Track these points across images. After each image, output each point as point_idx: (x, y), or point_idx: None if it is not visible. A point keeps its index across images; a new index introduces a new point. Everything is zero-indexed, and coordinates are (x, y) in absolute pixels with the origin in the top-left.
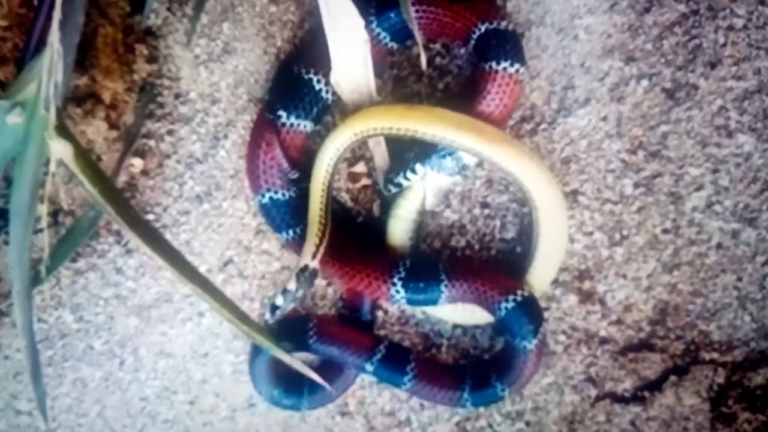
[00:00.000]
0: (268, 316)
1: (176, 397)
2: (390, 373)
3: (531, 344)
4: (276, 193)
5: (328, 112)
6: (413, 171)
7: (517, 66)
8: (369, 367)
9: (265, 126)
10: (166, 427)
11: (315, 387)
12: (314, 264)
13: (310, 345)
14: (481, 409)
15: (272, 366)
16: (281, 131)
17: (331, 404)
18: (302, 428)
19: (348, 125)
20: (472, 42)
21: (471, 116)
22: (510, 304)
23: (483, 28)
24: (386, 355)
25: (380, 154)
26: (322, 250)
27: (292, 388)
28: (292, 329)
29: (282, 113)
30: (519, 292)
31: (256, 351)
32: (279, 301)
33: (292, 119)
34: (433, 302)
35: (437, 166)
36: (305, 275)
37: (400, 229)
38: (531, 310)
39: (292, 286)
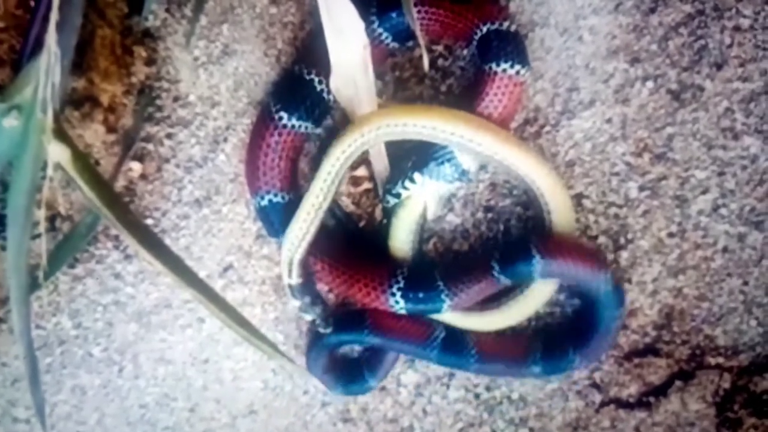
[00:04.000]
0: (323, 330)
1: (176, 404)
2: (454, 357)
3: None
4: (276, 195)
5: (329, 114)
6: (412, 180)
7: (518, 67)
8: (431, 354)
9: (265, 126)
10: None
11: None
12: (294, 281)
13: (365, 339)
14: (485, 416)
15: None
16: (282, 133)
17: (333, 410)
18: None
19: (355, 127)
20: (474, 43)
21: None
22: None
23: (485, 29)
24: (445, 340)
25: (380, 161)
26: (297, 265)
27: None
28: (349, 324)
29: (283, 114)
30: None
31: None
32: (307, 317)
33: (294, 120)
34: (437, 311)
35: (436, 174)
36: (295, 291)
37: (401, 239)
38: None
39: (295, 303)
